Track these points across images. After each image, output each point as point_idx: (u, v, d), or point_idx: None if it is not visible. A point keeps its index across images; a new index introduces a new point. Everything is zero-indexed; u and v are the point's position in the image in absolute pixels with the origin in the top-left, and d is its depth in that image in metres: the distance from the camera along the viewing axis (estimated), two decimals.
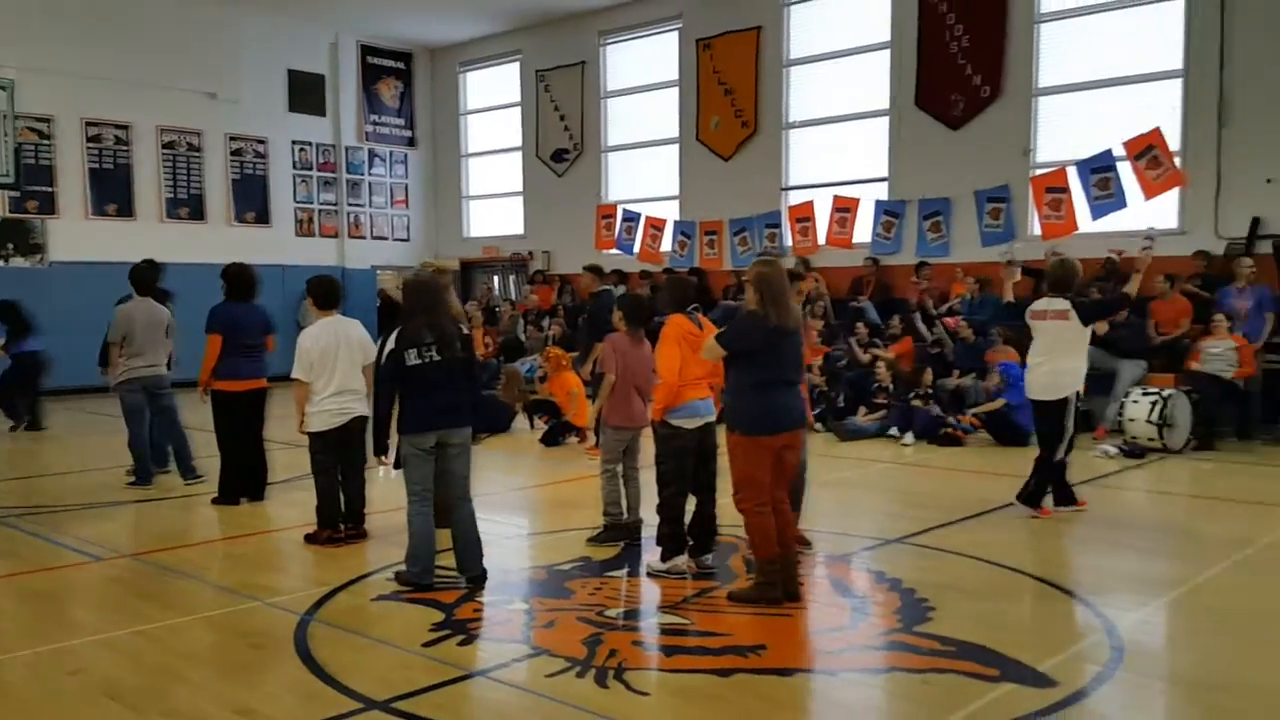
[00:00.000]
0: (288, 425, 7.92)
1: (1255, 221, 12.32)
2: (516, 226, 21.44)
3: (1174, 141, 13.08)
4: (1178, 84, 13.23)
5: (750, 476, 5.48)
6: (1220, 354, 11.18)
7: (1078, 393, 7.64)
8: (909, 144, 15.57)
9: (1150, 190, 13.17)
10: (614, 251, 18.34)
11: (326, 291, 7.28)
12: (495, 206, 22.17)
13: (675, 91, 18.54)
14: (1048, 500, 7.79)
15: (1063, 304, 7.62)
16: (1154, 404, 10.59)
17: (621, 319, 6.94)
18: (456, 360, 5.92)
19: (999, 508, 7.96)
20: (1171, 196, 13.21)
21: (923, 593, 5.70)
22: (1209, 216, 12.81)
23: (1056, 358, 7.59)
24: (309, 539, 7.13)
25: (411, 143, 22.69)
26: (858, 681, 4.50)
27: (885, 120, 15.93)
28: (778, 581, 5.55)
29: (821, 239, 16.26)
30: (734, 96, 17.68)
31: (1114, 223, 13.39)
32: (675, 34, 18.49)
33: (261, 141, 20.23)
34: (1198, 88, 12.96)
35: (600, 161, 19.91)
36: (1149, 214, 13.20)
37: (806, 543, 6.62)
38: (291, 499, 8.46)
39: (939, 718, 4.01)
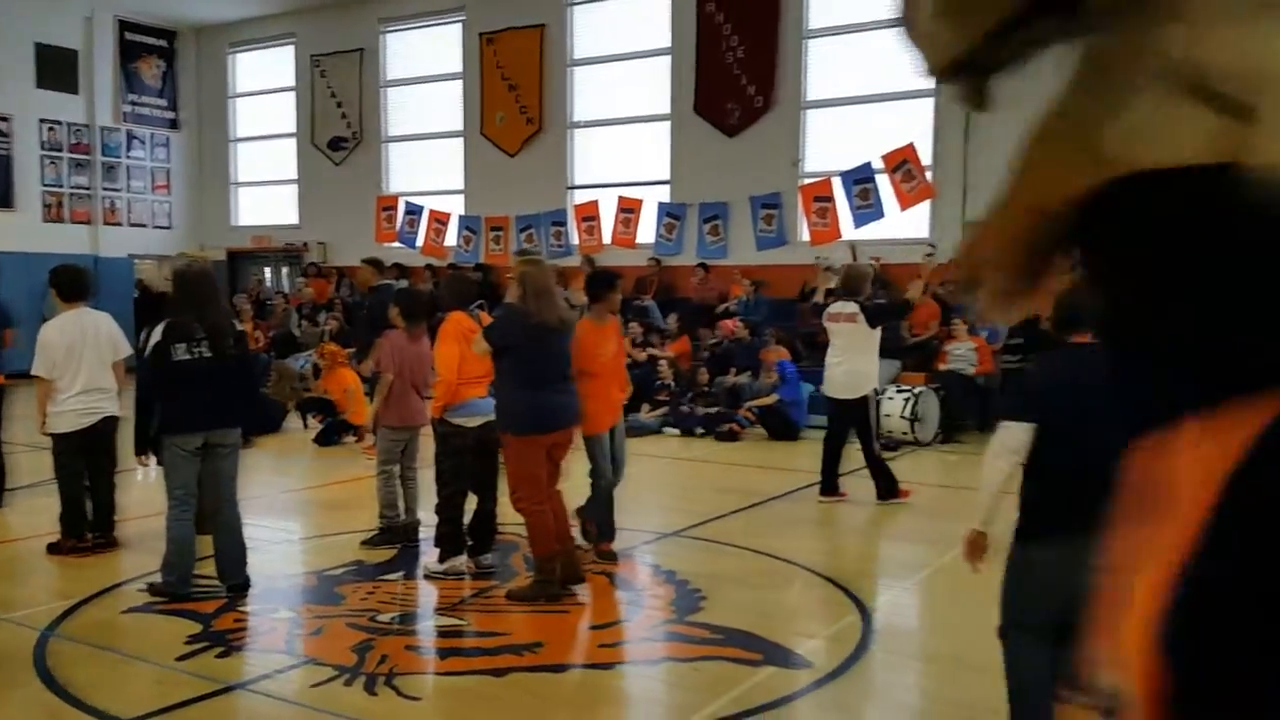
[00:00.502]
0: (29, 426, 7.29)
1: None
2: (290, 216, 20.56)
3: (926, 156, 14.11)
4: (930, 102, 14.26)
5: (526, 476, 5.50)
6: (963, 354, 12.15)
7: (875, 390, 8.13)
8: (689, 149, 16.04)
9: (905, 201, 14.18)
10: (396, 245, 17.93)
11: (72, 282, 6.74)
12: (267, 194, 21.18)
13: (459, 84, 18.32)
14: (868, 487, 8.22)
15: (853, 307, 8.01)
16: (906, 400, 11.37)
17: (399, 315, 6.80)
18: (229, 357, 5.63)
19: (771, 499, 8.34)
20: (924, 208, 14.25)
21: (696, 583, 5.90)
22: (956, 227, 13.87)
23: (852, 358, 7.98)
24: (52, 549, 6.59)
25: (174, 125, 21.33)
26: (632, 673, 4.62)
27: (667, 125, 16.34)
28: (556, 579, 5.60)
29: (607, 238, 16.52)
30: (519, 93, 17.65)
31: (874, 231, 14.33)
32: (459, 26, 18.26)
33: (4, 119, 18.48)
34: (947, 105, 14.01)
35: (381, 152, 19.40)
36: (904, 224, 14.25)
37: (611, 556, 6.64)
38: (34, 505, 7.78)
39: (707, 703, 4.17)
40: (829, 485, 8.26)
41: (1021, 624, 3.25)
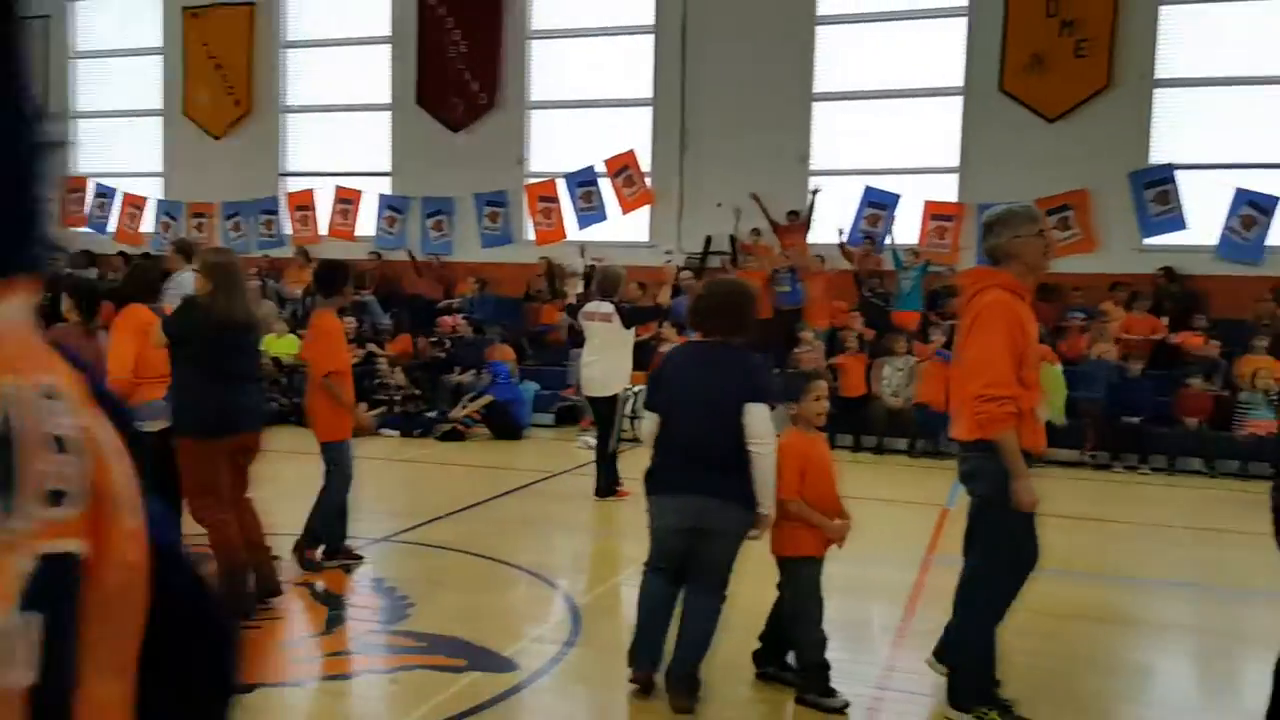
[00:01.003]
0: None
1: (708, 240, 14.06)
2: None
3: (646, 163, 14.52)
4: (649, 110, 14.67)
5: (205, 483, 5.10)
6: None
7: (625, 389, 8.24)
8: (412, 141, 15.66)
9: (626, 206, 14.56)
10: (86, 230, 16.37)
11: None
12: None
13: (159, 60, 16.97)
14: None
15: (608, 307, 8.16)
16: (628, 399, 11.64)
17: (72, 308, 6.15)
18: None
19: (490, 499, 8.26)
20: (644, 212, 14.66)
21: (404, 590, 5.73)
22: (674, 233, 14.37)
23: (607, 356, 8.09)
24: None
25: None
26: (325, 689, 4.41)
27: (388, 115, 15.88)
28: (248, 593, 5.26)
29: (323, 229, 15.86)
30: (226, 73, 16.58)
31: (597, 233, 14.59)
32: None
33: None
34: (664, 114, 14.48)
35: (68, 128, 17.62)
36: (626, 228, 14.61)
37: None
38: None
39: (402, 715, 4.04)
40: (608, 486, 8.34)
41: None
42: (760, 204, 13.31)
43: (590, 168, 14.57)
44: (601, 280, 8.58)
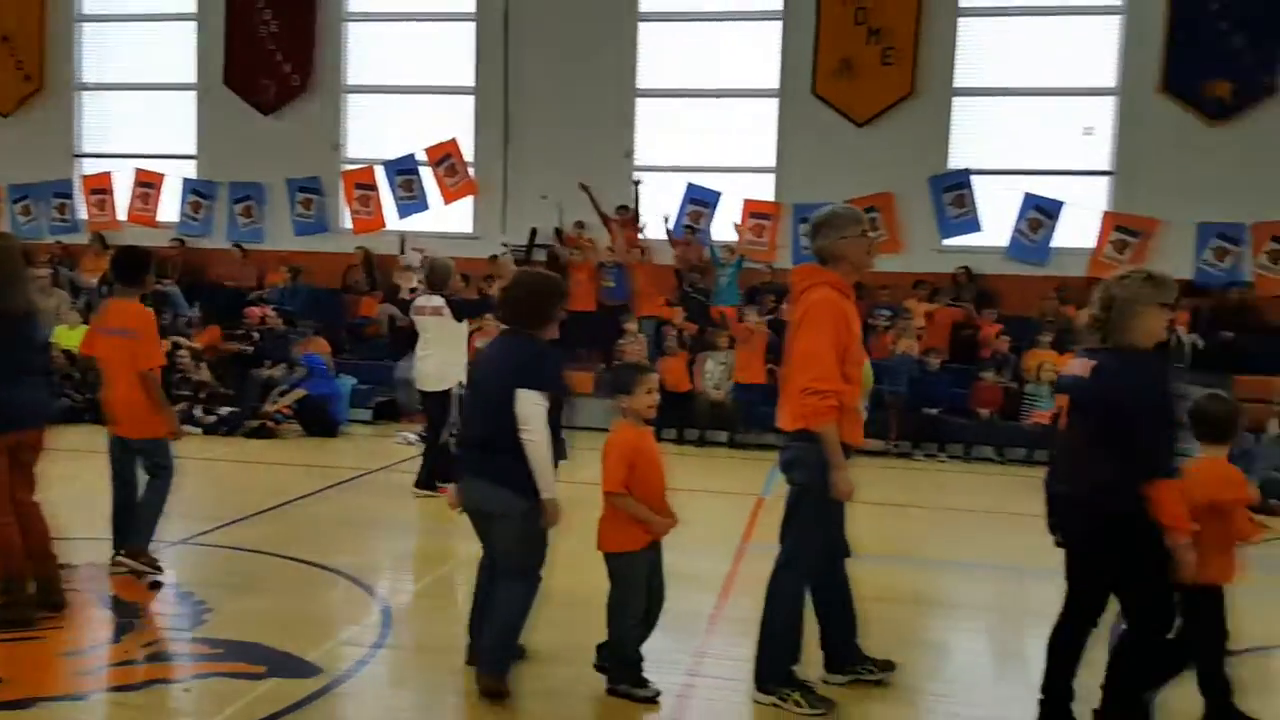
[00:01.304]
0: None
1: (533, 232, 13.97)
2: None
3: (469, 152, 14.30)
4: (472, 99, 14.45)
5: None
6: None
7: (460, 383, 7.98)
8: (219, 123, 14.90)
9: (449, 196, 14.31)
10: None
11: None
12: None
13: None
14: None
15: (438, 300, 8.05)
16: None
17: None
18: None
19: (300, 498, 7.95)
20: (468, 203, 14.44)
21: (201, 595, 5.44)
22: (498, 225, 14.22)
23: (440, 351, 8.01)
24: None
25: None
26: (112, 701, 4.12)
27: (193, 95, 15.05)
28: (27, 600, 4.87)
29: (122, 215, 14.94)
30: (13, 45, 15.34)
31: (419, 223, 14.29)
32: None
33: None
34: (487, 104, 14.30)
35: None
36: (449, 218, 14.36)
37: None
38: None
39: None
40: (443, 476, 8.11)
41: None
42: (590, 195, 13.34)
43: (411, 156, 14.24)
44: (431, 273, 8.46)
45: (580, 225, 13.48)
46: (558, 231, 13.68)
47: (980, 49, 13.48)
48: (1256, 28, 12.64)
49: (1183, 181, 12.68)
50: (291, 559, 6.25)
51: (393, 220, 14.36)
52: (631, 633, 4.22)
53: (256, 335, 12.83)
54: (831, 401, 3.95)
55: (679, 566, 5.93)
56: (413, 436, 11.09)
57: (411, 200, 14.35)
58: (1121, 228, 13.04)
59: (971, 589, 6.51)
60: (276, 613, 5.22)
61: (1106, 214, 13.14)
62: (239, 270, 14.49)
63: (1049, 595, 6.41)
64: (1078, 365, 3.80)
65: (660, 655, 4.46)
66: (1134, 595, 3.68)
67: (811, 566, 4.24)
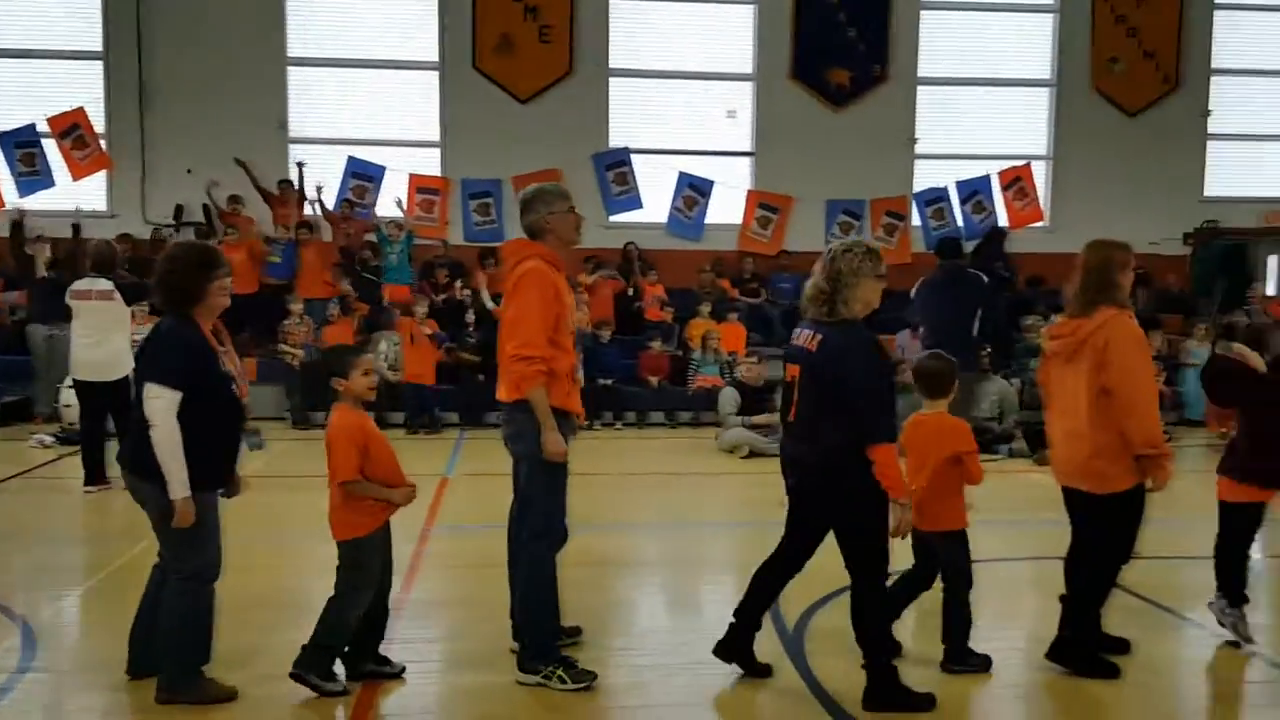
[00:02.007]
0: None
1: (179, 209, 12.93)
2: None
3: (100, 123, 12.98)
4: (100, 65, 13.10)
5: None
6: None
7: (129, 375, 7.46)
8: None
9: (77, 171, 12.93)
10: None
11: None
12: None
13: None
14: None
15: (106, 284, 7.71)
16: None
17: None
18: None
19: None
20: (100, 179, 13.12)
21: None
22: (137, 201, 13.02)
23: (109, 336, 7.68)
24: None
25: None
26: None
27: None
28: None
29: None
30: None
31: (43, 201, 12.79)
32: None
33: None
34: (119, 69, 13.02)
35: None
36: (79, 194, 12.95)
37: None
38: None
39: None
40: (94, 474, 7.71)
41: None
42: (248, 171, 12.52)
43: (31, 126, 12.71)
44: (96, 256, 7.98)
45: (236, 200, 12.64)
46: (206, 209, 12.73)
47: (630, 33, 14.06)
48: (868, 20, 14.15)
49: (813, 162, 13.99)
50: None
51: (11, 196, 12.76)
52: (352, 621, 4.07)
53: None
54: (539, 367, 4.03)
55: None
56: (49, 439, 9.97)
57: (34, 176, 12.82)
58: (764, 204, 14.18)
59: (650, 547, 6.85)
60: None
61: (750, 192, 14.23)
62: None
63: (720, 546, 6.97)
64: (804, 337, 4.00)
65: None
66: (856, 547, 3.95)
67: (559, 536, 4.30)
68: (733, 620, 4.28)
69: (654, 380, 12.06)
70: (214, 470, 3.90)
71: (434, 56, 13.70)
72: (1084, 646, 4.36)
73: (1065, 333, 4.32)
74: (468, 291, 12.48)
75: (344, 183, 13.40)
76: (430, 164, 13.82)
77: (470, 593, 5.40)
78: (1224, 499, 4.69)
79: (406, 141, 13.80)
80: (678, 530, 7.26)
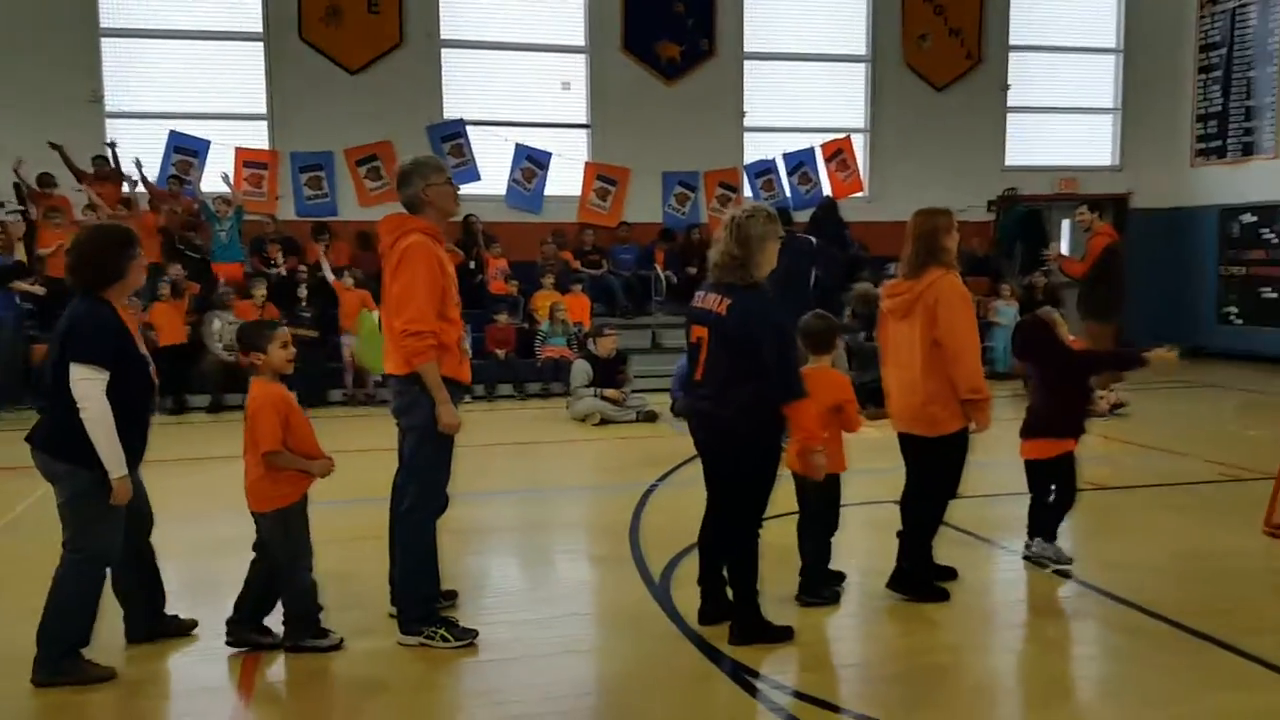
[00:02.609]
0: None
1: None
2: None
3: None
4: None
5: None
6: None
7: None
8: None
9: None
10: None
11: None
12: None
13: None
14: None
15: None
16: None
17: None
18: None
19: None
20: None
21: None
22: None
23: None
24: None
25: None
26: None
27: None
28: None
29: None
30: None
31: None
32: None
33: None
34: None
35: None
36: None
37: None
38: None
39: None
40: None
41: None
42: (63, 154, 11.77)
43: None
44: None
45: (49, 181, 11.91)
46: (17, 188, 11.97)
47: (461, 3, 13.96)
48: None
49: (648, 134, 14.30)
50: None
51: None
52: (309, 583, 4.19)
53: None
54: (430, 341, 4.11)
55: (200, 535, 5.80)
56: None
57: None
58: (602, 176, 14.41)
59: (503, 514, 7.01)
60: None
61: (588, 164, 14.42)
62: None
63: (571, 510, 7.19)
64: (710, 300, 4.17)
65: (206, 625, 4.40)
66: (745, 498, 4.21)
67: (438, 507, 4.40)
68: (701, 589, 4.50)
69: (501, 353, 12.16)
70: (132, 449, 3.89)
71: (258, 27, 13.25)
72: (919, 575, 4.85)
73: (900, 292, 4.75)
74: (304, 267, 12.22)
75: (166, 158, 12.85)
76: (258, 138, 13.40)
77: (347, 568, 5.41)
78: (1029, 458, 5.26)
79: (232, 114, 13.33)
80: (536, 496, 7.46)
